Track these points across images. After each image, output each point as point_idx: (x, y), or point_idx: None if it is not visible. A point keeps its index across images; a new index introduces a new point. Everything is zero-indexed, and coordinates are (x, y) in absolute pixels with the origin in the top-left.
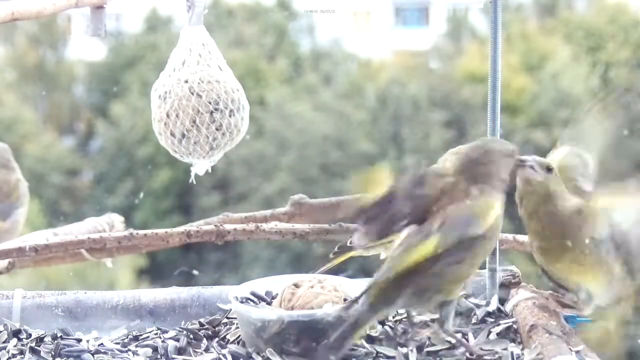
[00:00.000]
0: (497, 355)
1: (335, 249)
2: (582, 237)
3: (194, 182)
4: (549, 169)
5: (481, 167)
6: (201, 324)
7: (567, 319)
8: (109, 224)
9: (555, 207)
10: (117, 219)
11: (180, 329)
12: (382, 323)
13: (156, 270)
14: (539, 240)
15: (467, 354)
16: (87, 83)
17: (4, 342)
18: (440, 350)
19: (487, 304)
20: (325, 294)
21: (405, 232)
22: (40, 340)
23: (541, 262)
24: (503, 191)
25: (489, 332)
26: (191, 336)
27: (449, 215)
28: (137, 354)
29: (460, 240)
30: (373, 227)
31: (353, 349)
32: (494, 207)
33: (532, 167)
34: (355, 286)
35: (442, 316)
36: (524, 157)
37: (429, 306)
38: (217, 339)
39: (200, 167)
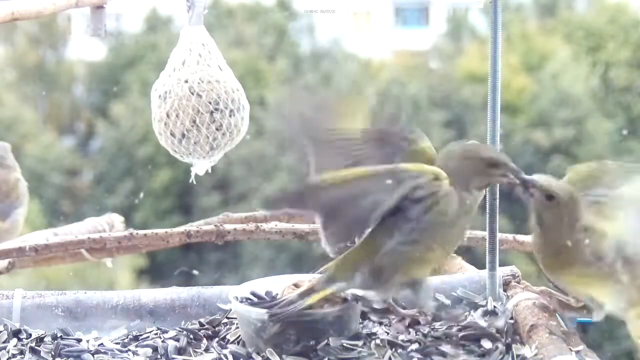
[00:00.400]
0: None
1: (336, 249)
2: (581, 256)
3: (194, 182)
4: (549, 197)
5: (451, 162)
6: (201, 324)
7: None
8: (109, 224)
9: (548, 232)
10: (117, 219)
11: (180, 329)
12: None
13: (156, 270)
14: (537, 252)
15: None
16: (87, 83)
17: (4, 342)
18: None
19: (486, 304)
20: None
21: None
22: (40, 340)
23: (545, 272)
24: (470, 190)
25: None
26: (191, 336)
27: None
28: (137, 354)
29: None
30: (335, 227)
31: (352, 349)
32: (443, 181)
33: (530, 193)
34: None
35: (417, 299)
36: (525, 178)
37: (389, 289)
38: (217, 339)
39: (200, 167)
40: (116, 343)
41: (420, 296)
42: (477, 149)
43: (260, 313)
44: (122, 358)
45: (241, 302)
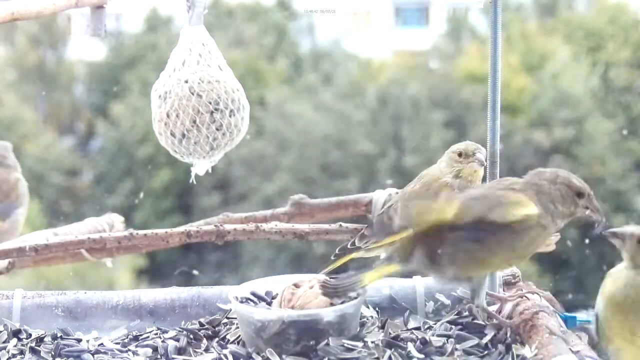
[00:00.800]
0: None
1: (337, 251)
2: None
3: (194, 182)
4: None
5: (541, 184)
6: (201, 324)
7: (566, 319)
8: (109, 224)
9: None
10: (117, 219)
11: (180, 329)
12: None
13: (156, 270)
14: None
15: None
16: (87, 83)
17: (4, 342)
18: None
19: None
20: None
21: None
22: (40, 340)
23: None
24: (555, 218)
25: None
26: (191, 336)
27: (478, 193)
28: (137, 354)
29: (481, 220)
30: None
31: (352, 349)
32: (528, 207)
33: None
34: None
35: (471, 292)
36: (613, 231)
37: (443, 276)
38: (217, 339)
39: (200, 167)
40: (116, 343)
41: (474, 291)
42: (568, 176)
43: (261, 313)
44: (122, 358)
45: (241, 302)
